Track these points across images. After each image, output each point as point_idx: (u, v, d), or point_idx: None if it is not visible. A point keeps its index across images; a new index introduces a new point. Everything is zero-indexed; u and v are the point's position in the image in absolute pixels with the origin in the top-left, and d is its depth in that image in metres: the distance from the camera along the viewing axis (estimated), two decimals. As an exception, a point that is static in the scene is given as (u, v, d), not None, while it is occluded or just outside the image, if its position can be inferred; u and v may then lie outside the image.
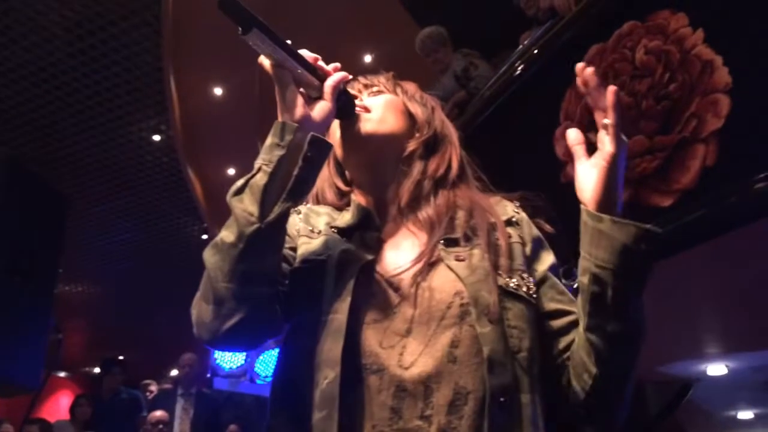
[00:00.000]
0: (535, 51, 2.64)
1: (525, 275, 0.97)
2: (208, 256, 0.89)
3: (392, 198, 1.05)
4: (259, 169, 0.89)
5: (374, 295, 0.92)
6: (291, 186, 0.88)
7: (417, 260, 0.94)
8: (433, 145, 1.09)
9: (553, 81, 2.49)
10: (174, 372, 6.37)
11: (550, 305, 1.01)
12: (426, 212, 1.01)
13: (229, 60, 4.89)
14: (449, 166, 1.07)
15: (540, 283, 1.01)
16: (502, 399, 0.84)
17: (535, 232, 1.06)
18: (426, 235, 0.99)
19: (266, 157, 0.90)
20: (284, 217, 0.88)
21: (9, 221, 1.94)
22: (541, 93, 2.60)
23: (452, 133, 1.13)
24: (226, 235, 0.88)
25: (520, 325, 0.91)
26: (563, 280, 1.89)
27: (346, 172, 1.14)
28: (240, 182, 0.90)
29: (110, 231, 7.35)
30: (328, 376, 0.84)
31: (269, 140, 0.91)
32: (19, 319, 1.92)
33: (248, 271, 0.87)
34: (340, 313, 0.88)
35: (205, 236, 7.06)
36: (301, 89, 0.96)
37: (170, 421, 4.52)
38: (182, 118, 5.44)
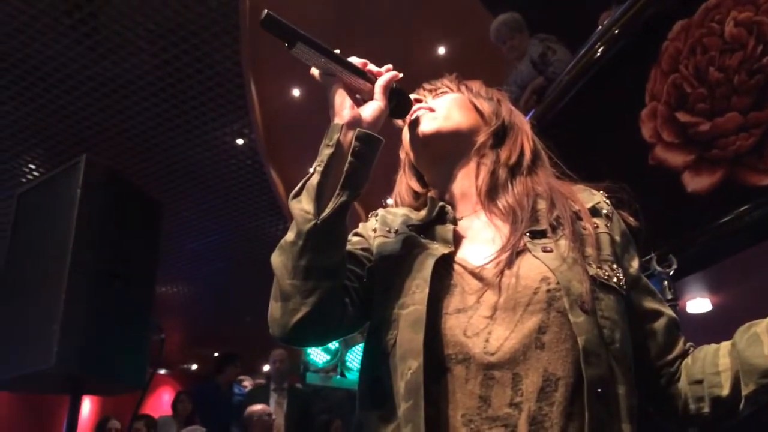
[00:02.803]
0: (616, 31, 2.55)
1: (614, 266, 0.96)
2: (275, 257, 0.94)
3: (469, 190, 1.06)
4: (314, 171, 0.93)
5: (456, 285, 0.92)
6: (342, 181, 0.92)
7: (502, 251, 0.94)
8: (503, 135, 1.09)
9: (636, 61, 2.40)
10: (266, 367, 6.55)
11: (647, 304, 1.01)
12: (506, 200, 1.01)
13: (304, 64, 4.99)
14: (522, 152, 1.07)
15: (634, 281, 1.01)
16: (599, 390, 0.83)
17: (623, 226, 1.05)
18: (508, 224, 0.98)
19: (319, 159, 0.94)
20: (340, 211, 0.91)
21: (108, 228, 2.04)
22: (624, 74, 2.52)
23: (522, 121, 1.13)
24: (288, 235, 0.92)
25: (612, 316, 0.90)
26: (657, 267, 1.84)
27: (425, 176, 1.16)
28: (298, 186, 0.94)
29: (200, 233, 7.64)
30: (411, 367, 0.85)
31: (322, 144, 0.95)
32: (122, 321, 2.02)
33: (309, 266, 0.90)
34: (418, 305, 0.89)
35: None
36: (357, 95, 1.01)
37: (272, 413, 4.66)
38: (263, 120, 5.58)
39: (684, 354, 1.02)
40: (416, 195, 1.15)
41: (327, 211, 0.90)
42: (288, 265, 0.91)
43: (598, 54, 2.63)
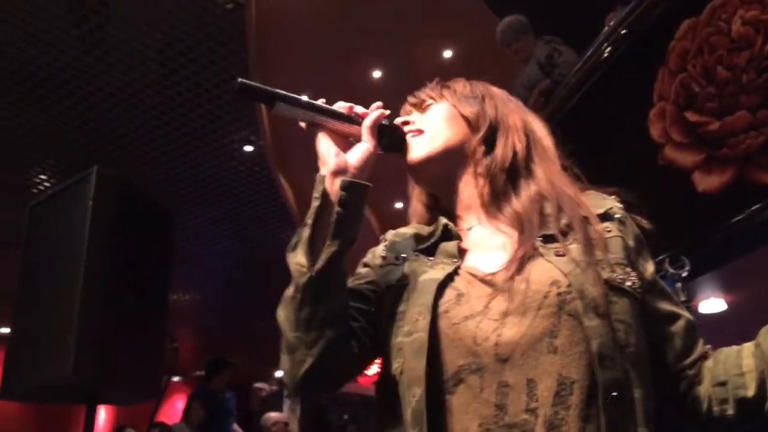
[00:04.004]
0: (623, 31, 2.54)
1: (628, 269, 0.95)
2: (279, 310, 0.96)
3: (474, 201, 1.06)
4: (305, 224, 0.95)
5: (464, 294, 0.92)
6: (332, 231, 0.92)
7: (512, 257, 0.94)
8: (493, 137, 1.08)
9: (643, 61, 2.40)
10: (278, 373, 6.56)
11: (663, 307, 1.01)
12: (511, 207, 1.01)
13: (311, 68, 5.00)
14: (514, 152, 1.06)
15: (650, 284, 1.00)
16: (614, 393, 0.83)
17: (637, 230, 1.04)
18: (516, 231, 0.98)
19: (309, 212, 0.95)
20: (333, 261, 0.92)
21: (121, 238, 2.05)
22: (631, 74, 2.51)
23: (510, 112, 1.11)
24: (288, 289, 0.94)
25: (626, 319, 0.90)
26: (670, 268, 1.84)
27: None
28: (293, 240, 0.96)
29: (210, 240, 7.67)
30: (415, 394, 0.87)
31: (312, 196, 0.97)
32: (137, 330, 2.03)
33: (310, 317, 0.92)
34: (421, 332, 0.90)
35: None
36: (350, 138, 1.02)
37: (287, 421, 4.68)
38: (271, 127, 5.60)
39: (703, 356, 1.02)
40: (428, 209, 1.15)
41: (319, 262, 0.91)
42: (290, 318, 0.93)
43: (605, 55, 2.62)
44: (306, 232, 0.94)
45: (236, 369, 6.40)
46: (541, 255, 0.93)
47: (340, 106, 1.04)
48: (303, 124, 1.02)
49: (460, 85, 1.15)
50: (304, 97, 1.01)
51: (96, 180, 2.01)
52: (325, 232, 0.93)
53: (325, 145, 0.99)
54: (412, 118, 1.12)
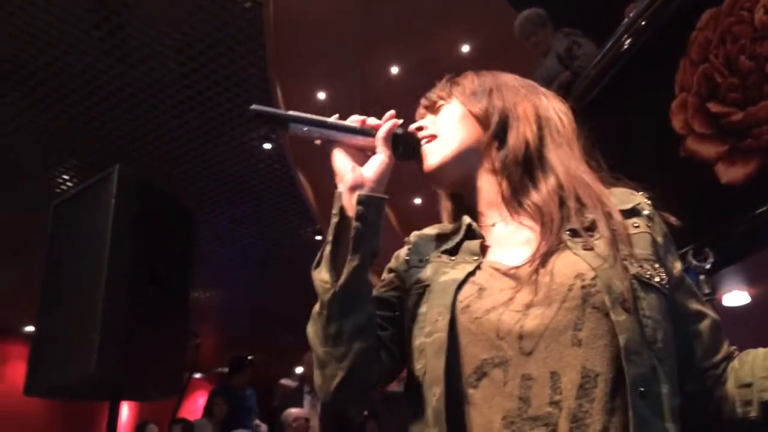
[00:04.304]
0: (643, 22, 2.51)
1: (656, 265, 0.94)
2: (309, 327, 0.98)
3: (495, 198, 1.05)
4: (327, 241, 0.96)
5: (486, 288, 0.92)
6: (352, 246, 0.93)
7: (537, 250, 0.93)
8: (504, 131, 1.06)
9: (664, 52, 2.37)
10: (299, 369, 6.60)
11: (691, 306, 1.00)
12: (531, 201, 1.00)
13: (329, 66, 5.01)
14: (526, 142, 1.04)
15: (678, 282, 0.99)
16: (642, 389, 0.82)
17: (665, 227, 1.03)
18: (539, 225, 0.98)
19: (329, 229, 0.97)
20: (356, 275, 0.93)
21: (143, 236, 2.07)
22: (652, 66, 2.48)
23: (519, 102, 1.09)
24: (315, 306, 0.96)
25: (654, 315, 0.89)
26: (693, 261, 1.81)
27: None
28: (317, 256, 0.97)
29: (231, 238, 7.73)
30: (435, 394, 0.87)
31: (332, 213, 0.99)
32: (160, 328, 2.05)
33: (337, 332, 0.93)
34: (441, 332, 0.90)
35: (318, 237, 7.26)
36: (368, 152, 1.03)
37: (308, 417, 4.71)
38: (290, 124, 5.62)
39: (729, 356, 1.01)
40: (455, 206, 1.15)
41: (342, 278, 0.92)
42: (319, 334, 0.95)
43: (626, 46, 2.59)
44: (328, 249, 0.95)
45: (256, 366, 6.45)
46: (569, 248, 0.92)
47: (353, 120, 1.05)
48: (318, 142, 1.04)
49: (468, 81, 1.14)
50: (318, 116, 1.03)
51: (118, 179, 2.04)
52: (346, 248, 0.94)
53: (340, 160, 1.01)
54: (425, 123, 1.12)
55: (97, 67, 5.01)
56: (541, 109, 1.09)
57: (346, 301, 0.93)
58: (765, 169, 1.94)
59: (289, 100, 5.39)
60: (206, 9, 4.54)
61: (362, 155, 1.03)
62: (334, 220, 0.96)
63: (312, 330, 0.96)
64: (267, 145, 6.08)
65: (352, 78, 5.02)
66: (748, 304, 5.73)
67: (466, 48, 5.10)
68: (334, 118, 1.03)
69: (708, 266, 1.80)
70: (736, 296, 5.73)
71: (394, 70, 5.22)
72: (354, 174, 0.99)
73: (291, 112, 1.01)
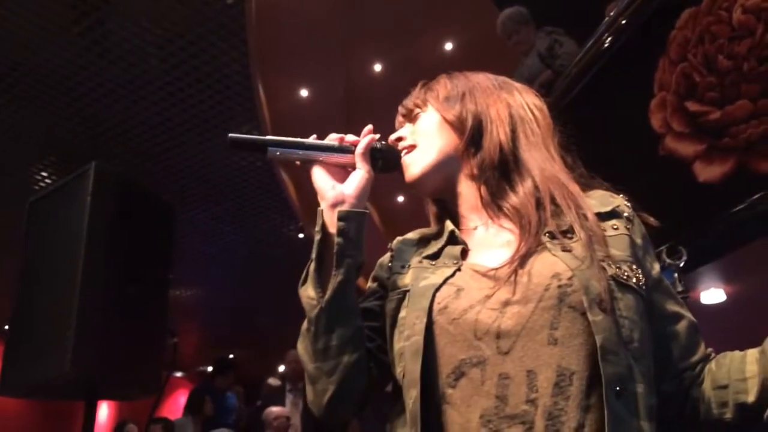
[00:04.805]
0: (623, 21, 2.53)
1: (634, 267, 0.95)
2: (298, 344, 1.01)
3: (475, 202, 1.06)
4: (311, 258, 0.99)
5: (464, 288, 0.93)
6: (335, 262, 0.96)
7: (516, 252, 0.94)
8: (479, 135, 1.06)
9: (644, 51, 2.39)
10: (281, 368, 6.59)
11: (668, 307, 1.02)
12: (509, 203, 1.01)
13: (313, 63, 4.99)
14: (500, 146, 1.05)
15: (655, 283, 1.01)
16: (618, 388, 0.83)
17: (644, 229, 1.04)
18: (518, 226, 0.98)
19: (313, 247, 0.99)
20: (342, 290, 0.96)
21: (121, 234, 2.05)
22: (632, 65, 2.50)
23: (491, 104, 1.09)
24: (304, 323, 0.98)
25: (631, 315, 0.90)
26: (667, 259, 1.83)
27: None
28: (303, 274, 0.99)
29: (213, 235, 7.68)
30: (412, 396, 0.89)
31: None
32: (137, 326, 2.03)
33: (326, 347, 0.96)
34: (418, 335, 0.91)
35: (301, 235, 7.24)
36: (349, 168, 1.05)
37: (290, 415, 4.71)
38: (272, 121, 5.60)
39: (706, 358, 1.02)
40: (439, 210, 1.16)
41: (328, 293, 0.95)
42: (308, 350, 0.98)
43: (606, 45, 2.61)
44: (312, 266, 0.98)
45: (239, 364, 6.43)
46: (548, 249, 0.93)
47: (332, 138, 1.07)
48: (298, 162, 1.06)
49: (441, 86, 1.14)
50: (296, 139, 1.05)
51: (94, 176, 2.01)
52: (330, 264, 0.97)
53: (320, 179, 1.04)
54: (404, 133, 1.13)
55: (76, 63, 4.95)
56: (515, 109, 1.09)
57: (332, 316, 0.95)
58: (742, 167, 1.96)
59: (272, 96, 5.36)
60: (188, 4, 4.51)
61: (343, 171, 1.06)
62: (317, 237, 0.99)
63: (302, 346, 0.99)
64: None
65: (335, 75, 5.01)
66: (724, 301, 5.81)
67: (449, 46, 5.10)
68: (312, 138, 1.06)
69: (682, 264, 1.82)
70: (713, 294, 5.80)
71: (378, 67, 5.22)
72: (334, 191, 1.01)
73: (269, 137, 1.03)
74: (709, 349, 1.04)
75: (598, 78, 2.66)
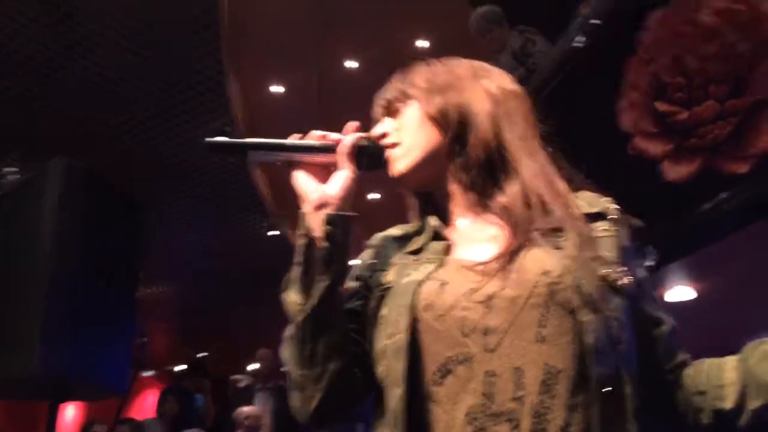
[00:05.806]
0: (594, 22, 2.56)
1: (622, 268, 0.95)
2: (284, 351, 0.97)
3: (463, 197, 1.04)
4: (295, 263, 0.95)
5: (449, 282, 0.92)
6: (321, 266, 0.93)
7: (505, 248, 0.93)
8: (463, 130, 1.04)
9: (615, 51, 2.41)
10: (252, 367, 6.55)
11: (650, 311, 1.01)
12: (497, 200, 0.99)
13: (286, 58, 4.96)
14: (485, 142, 1.02)
15: (641, 286, 1.00)
16: (606, 388, 0.84)
17: (629, 231, 1.04)
18: (506, 223, 0.97)
19: (296, 251, 0.95)
20: (327, 295, 0.93)
21: (89, 230, 2.02)
22: (603, 64, 2.53)
23: (474, 97, 1.05)
24: (289, 328, 0.95)
25: (619, 316, 0.90)
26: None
27: None
28: (285, 280, 0.96)
29: (184, 232, 7.59)
30: (395, 395, 0.87)
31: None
32: (105, 324, 1.99)
33: (312, 353, 0.93)
34: (401, 333, 0.89)
35: (272, 233, 7.20)
36: (332, 167, 1.01)
37: (260, 414, 4.69)
38: (244, 117, 5.56)
39: (684, 363, 1.03)
40: (422, 203, 1.13)
41: (314, 298, 0.92)
42: (294, 356, 0.94)
43: (577, 45, 2.64)
44: (296, 271, 0.94)
45: (210, 362, 6.38)
46: (538, 246, 0.92)
47: (313, 137, 1.02)
48: (278, 163, 1.01)
49: (422, 78, 1.10)
50: (275, 140, 1.00)
51: (61, 171, 1.98)
52: (314, 269, 0.93)
53: (302, 181, 0.99)
54: (387, 128, 1.08)
55: (45, 55, 4.86)
56: (496, 99, 1.06)
57: (318, 322, 0.92)
58: (709, 167, 1.99)
59: (244, 91, 5.32)
60: (159, -2, 4.45)
61: (326, 171, 1.01)
62: (301, 241, 0.95)
63: (287, 353, 0.96)
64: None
65: (309, 70, 4.98)
66: (694, 299, 5.89)
67: (423, 43, 5.11)
68: (292, 138, 1.01)
69: (652, 263, 1.84)
70: (682, 291, 5.87)
71: (352, 63, 5.20)
72: (318, 193, 0.97)
73: (248, 140, 0.99)
74: (687, 355, 1.04)
75: (569, 78, 2.69)
